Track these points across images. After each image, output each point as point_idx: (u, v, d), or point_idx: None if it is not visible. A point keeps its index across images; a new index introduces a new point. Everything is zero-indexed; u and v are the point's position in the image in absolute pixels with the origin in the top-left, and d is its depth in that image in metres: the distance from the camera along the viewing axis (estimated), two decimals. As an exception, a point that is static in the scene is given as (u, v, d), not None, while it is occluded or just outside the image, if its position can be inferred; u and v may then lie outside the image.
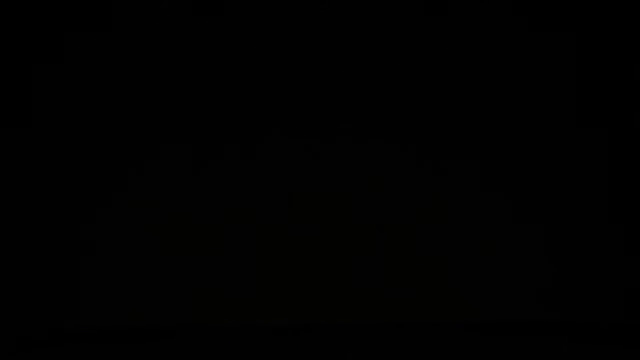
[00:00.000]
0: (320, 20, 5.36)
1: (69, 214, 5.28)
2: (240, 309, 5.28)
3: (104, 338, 5.21)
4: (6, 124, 5.27)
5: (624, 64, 5.32)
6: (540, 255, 5.35)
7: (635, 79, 5.32)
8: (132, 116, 5.33)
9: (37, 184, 5.30)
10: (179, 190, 5.32)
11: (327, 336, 5.23)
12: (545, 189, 5.36)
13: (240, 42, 5.36)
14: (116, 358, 4.80)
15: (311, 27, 5.37)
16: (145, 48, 5.33)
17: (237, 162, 5.34)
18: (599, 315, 5.29)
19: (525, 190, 5.36)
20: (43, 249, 5.26)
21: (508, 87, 5.38)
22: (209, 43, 5.34)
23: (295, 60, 5.37)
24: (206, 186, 5.33)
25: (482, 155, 5.36)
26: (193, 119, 5.33)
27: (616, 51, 5.33)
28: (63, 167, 5.29)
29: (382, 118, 5.37)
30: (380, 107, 5.37)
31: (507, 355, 4.79)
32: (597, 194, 5.35)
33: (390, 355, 4.80)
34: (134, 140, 5.32)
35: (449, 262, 5.35)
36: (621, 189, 5.33)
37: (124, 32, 5.31)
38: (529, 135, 5.37)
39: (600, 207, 5.35)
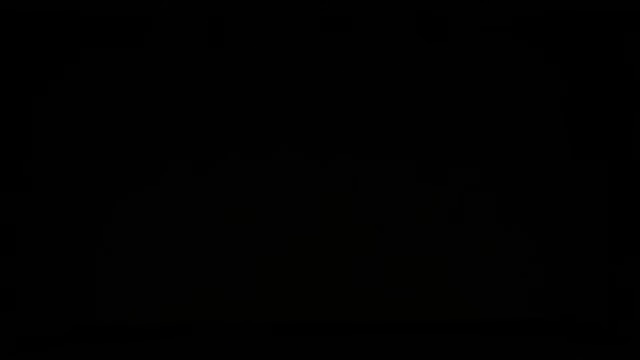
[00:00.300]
0: (323, 39, 5.41)
1: (68, 218, 5.30)
2: (241, 309, 5.29)
3: (103, 338, 5.22)
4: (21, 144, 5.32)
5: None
6: (540, 257, 5.36)
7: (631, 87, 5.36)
8: (145, 133, 5.37)
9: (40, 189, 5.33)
10: (180, 192, 5.34)
11: (327, 336, 5.23)
12: (545, 193, 5.38)
13: (247, 64, 5.41)
14: (116, 358, 4.80)
15: (314, 47, 5.41)
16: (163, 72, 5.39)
17: (238, 163, 5.36)
18: (596, 315, 5.30)
19: (525, 194, 5.38)
20: (40, 250, 5.27)
21: (503, 99, 5.41)
22: (215, 68, 5.40)
23: (298, 76, 5.41)
24: (207, 188, 5.34)
25: (481, 162, 5.39)
26: (198, 126, 5.37)
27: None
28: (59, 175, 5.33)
29: (384, 121, 5.39)
30: (382, 112, 5.39)
31: (507, 355, 4.79)
32: (593, 197, 5.37)
33: (390, 355, 4.80)
34: (138, 154, 5.36)
35: (448, 263, 5.35)
36: (617, 194, 5.35)
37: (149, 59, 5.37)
38: (523, 143, 5.39)
39: (596, 211, 5.37)
